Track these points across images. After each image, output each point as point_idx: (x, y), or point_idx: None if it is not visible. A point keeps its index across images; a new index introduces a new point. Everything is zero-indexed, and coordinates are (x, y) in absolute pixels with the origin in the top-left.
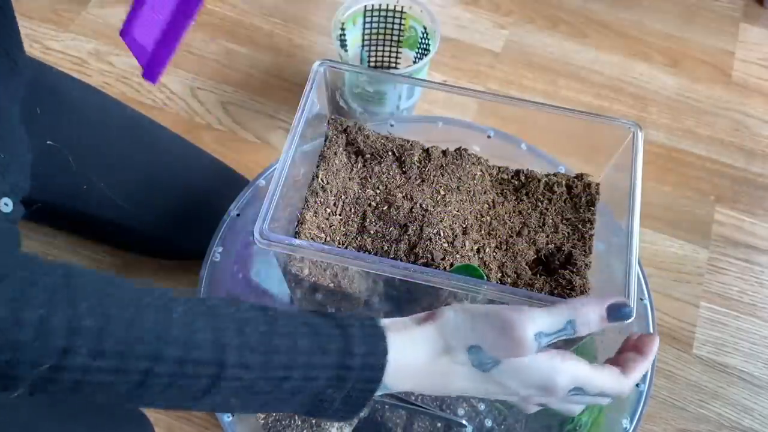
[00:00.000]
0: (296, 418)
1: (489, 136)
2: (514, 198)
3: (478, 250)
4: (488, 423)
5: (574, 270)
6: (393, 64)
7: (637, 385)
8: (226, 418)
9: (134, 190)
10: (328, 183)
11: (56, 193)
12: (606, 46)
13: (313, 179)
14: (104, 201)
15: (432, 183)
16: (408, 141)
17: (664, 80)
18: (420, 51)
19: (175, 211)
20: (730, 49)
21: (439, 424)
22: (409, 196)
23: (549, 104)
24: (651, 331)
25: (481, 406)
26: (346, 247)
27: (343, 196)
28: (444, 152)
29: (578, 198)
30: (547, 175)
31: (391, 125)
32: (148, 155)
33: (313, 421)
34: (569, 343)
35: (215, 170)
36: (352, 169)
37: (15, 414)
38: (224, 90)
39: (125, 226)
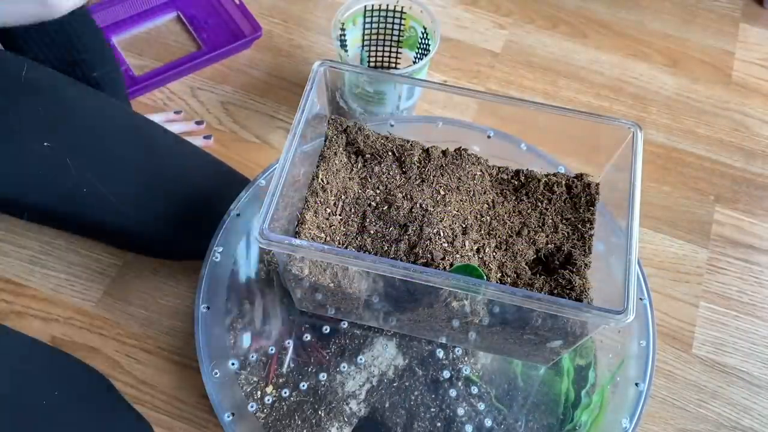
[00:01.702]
0: (296, 417)
1: (489, 136)
2: (513, 198)
3: (477, 250)
4: (488, 423)
5: (574, 270)
6: (393, 65)
7: (637, 384)
8: (227, 417)
9: (134, 193)
10: (328, 183)
11: (56, 196)
12: (606, 46)
13: (313, 179)
14: (104, 204)
15: (432, 183)
16: (408, 141)
17: (664, 80)
18: (420, 51)
19: (176, 212)
20: (730, 49)
21: (438, 424)
22: (409, 196)
23: (549, 104)
24: (651, 331)
25: (481, 406)
26: (346, 247)
27: (343, 196)
28: (444, 152)
29: (578, 198)
30: (546, 175)
31: (391, 125)
32: (147, 157)
33: (313, 421)
34: (570, 344)
35: (215, 170)
36: (352, 169)
37: (11, 414)
38: (224, 90)
39: (126, 228)
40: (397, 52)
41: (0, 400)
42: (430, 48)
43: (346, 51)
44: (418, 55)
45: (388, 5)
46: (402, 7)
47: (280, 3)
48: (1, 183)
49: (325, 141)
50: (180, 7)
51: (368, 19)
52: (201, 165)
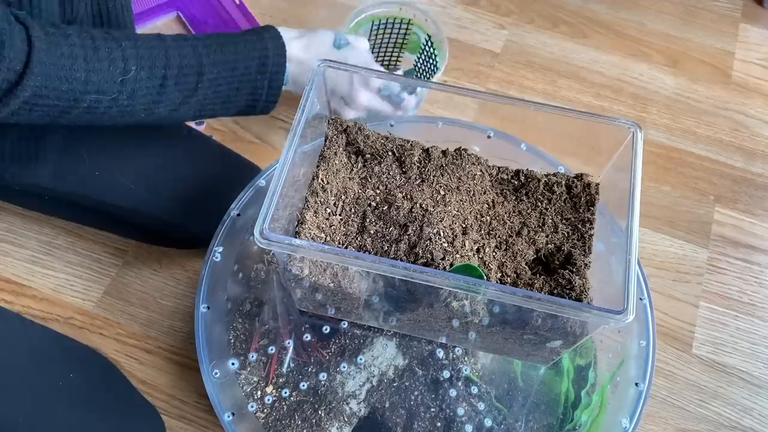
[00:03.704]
0: (296, 417)
1: (489, 136)
2: (513, 198)
3: (477, 250)
4: (488, 423)
5: (574, 270)
6: (392, 66)
7: (637, 384)
8: (227, 417)
9: (145, 175)
10: (328, 183)
11: (69, 182)
12: (606, 46)
13: (313, 179)
14: (116, 187)
15: (432, 183)
16: (408, 141)
17: (664, 80)
18: (422, 57)
19: (187, 196)
20: (730, 49)
21: (438, 424)
22: (409, 196)
23: (549, 104)
24: (651, 331)
25: (481, 406)
26: (346, 247)
27: (343, 196)
28: (444, 152)
29: (578, 198)
30: (546, 175)
31: (391, 125)
32: (157, 141)
33: (313, 421)
34: (570, 344)
35: (225, 158)
36: (352, 169)
37: (35, 402)
38: None
39: (137, 210)
40: (398, 56)
41: (21, 382)
42: (437, 56)
43: None
44: (420, 61)
45: (395, 18)
46: (409, 19)
47: (280, 3)
48: (19, 170)
49: (325, 141)
50: (180, 7)
51: (374, 31)
52: (211, 152)
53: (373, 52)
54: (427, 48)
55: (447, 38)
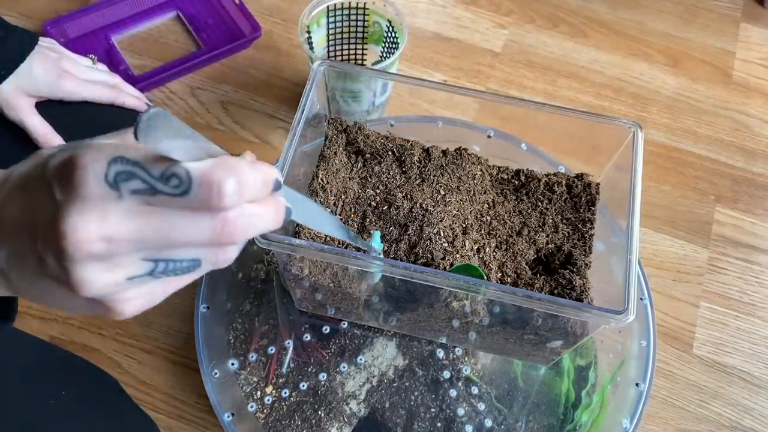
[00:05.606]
0: (296, 417)
1: (489, 136)
2: (514, 198)
3: (478, 250)
4: (488, 423)
5: (574, 270)
6: (359, 61)
7: (637, 384)
8: (226, 417)
9: None
10: (328, 183)
11: None
12: (606, 46)
13: (313, 179)
14: None
15: (432, 183)
16: (408, 141)
17: (664, 80)
18: (386, 45)
19: None
20: (731, 49)
21: (438, 424)
22: (409, 196)
23: (549, 104)
24: (651, 331)
25: (481, 406)
26: (346, 247)
27: (343, 196)
28: (444, 152)
29: (578, 198)
30: (547, 175)
31: (391, 125)
32: None
33: (313, 421)
34: (570, 344)
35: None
36: (352, 169)
37: (19, 413)
38: (224, 90)
39: None
40: (362, 49)
41: (8, 400)
42: (398, 41)
43: (313, 51)
44: (385, 49)
45: (350, 3)
46: (365, 3)
47: (280, 3)
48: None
49: (325, 141)
50: (180, 7)
51: (331, 19)
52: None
53: (333, 46)
54: (389, 34)
55: (447, 37)
